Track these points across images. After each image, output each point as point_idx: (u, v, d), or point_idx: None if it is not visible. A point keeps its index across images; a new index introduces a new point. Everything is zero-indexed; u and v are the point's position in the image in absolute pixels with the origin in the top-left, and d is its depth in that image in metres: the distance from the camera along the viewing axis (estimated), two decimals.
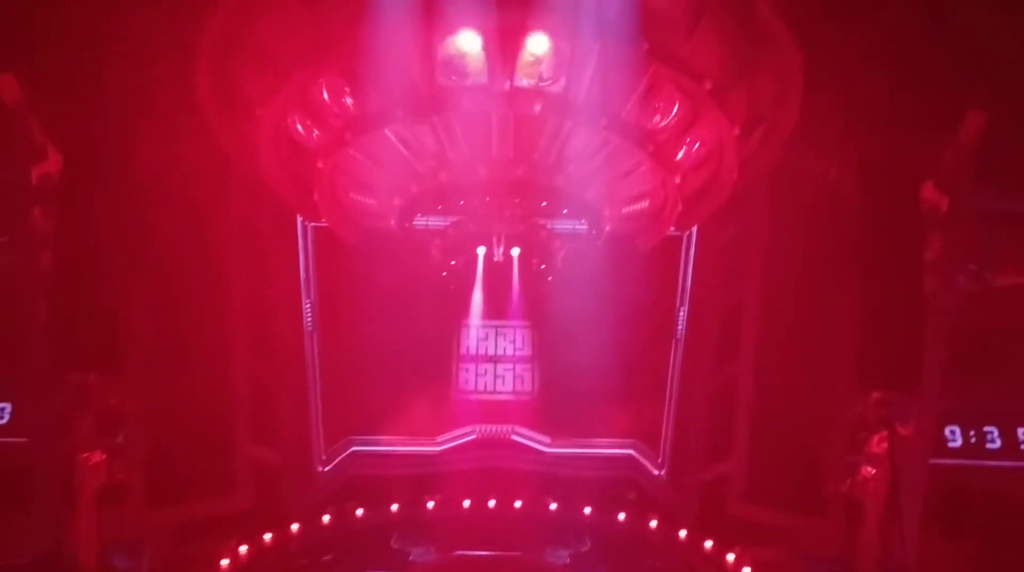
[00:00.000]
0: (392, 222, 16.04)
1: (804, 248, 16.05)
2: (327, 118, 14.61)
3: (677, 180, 15.22)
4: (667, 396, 19.21)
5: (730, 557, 17.12)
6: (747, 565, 16.76)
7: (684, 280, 18.94)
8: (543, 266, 16.43)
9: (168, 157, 15.75)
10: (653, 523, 18.42)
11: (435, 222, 16.35)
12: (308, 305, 18.85)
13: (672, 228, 16.48)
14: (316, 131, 14.83)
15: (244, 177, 15.95)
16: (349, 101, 14.30)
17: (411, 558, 17.42)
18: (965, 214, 15.72)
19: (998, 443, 17.57)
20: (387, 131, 14.74)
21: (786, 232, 16.31)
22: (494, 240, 15.96)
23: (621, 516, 18.63)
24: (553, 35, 13.34)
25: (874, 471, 16.47)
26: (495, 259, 16.12)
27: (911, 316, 15.18)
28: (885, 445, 15.91)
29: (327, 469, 19.18)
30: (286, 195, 15.83)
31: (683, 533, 17.98)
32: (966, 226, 15.74)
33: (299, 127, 14.85)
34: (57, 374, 15.56)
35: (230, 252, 17.02)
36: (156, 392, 16.59)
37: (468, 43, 13.42)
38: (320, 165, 15.11)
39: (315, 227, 18.25)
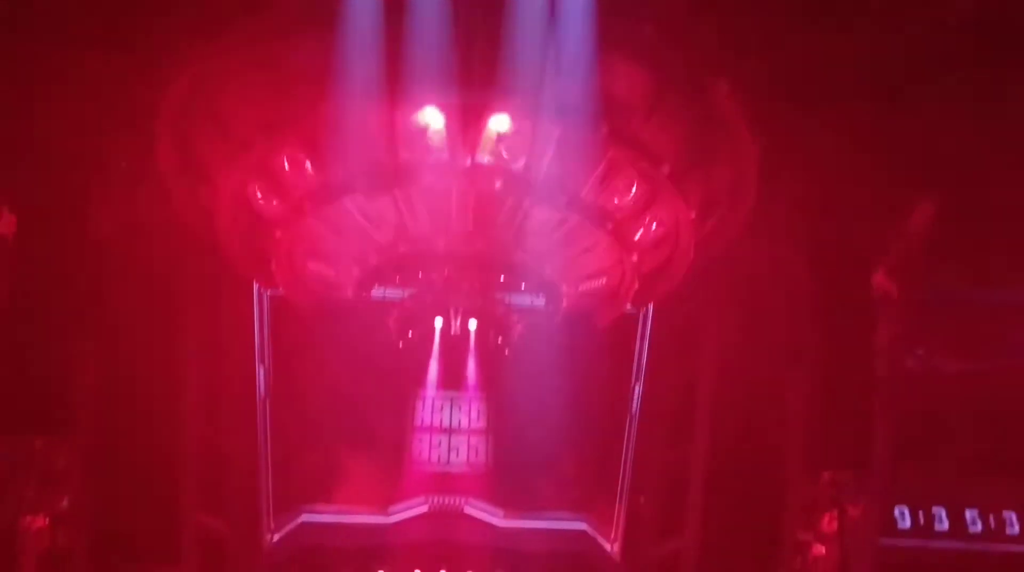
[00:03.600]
0: (349, 292, 16.05)
1: (757, 330, 16.30)
2: (287, 188, 14.69)
3: (634, 258, 15.47)
4: (621, 472, 19.16)
5: None
6: None
7: (639, 357, 19.00)
8: (500, 339, 16.48)
9: (124, 220, 15.66)
10: None
11: (392, 293, 16.37)
12: (262, 372, 18.64)
13: (628, 305, 16.65)
14: (276, 200, 14.89)
15: (201, 242, 15.87)
16: (310, 171, 14.41)
17: None
18: (915, 301, 16.08)
19: (946, 524, 17.70)
20: (347, 202, 14.86)
21: (739, 314, 16.55)
22: (451, 312, 16.01)
23: None
24: (515, 115, 13.60)
25: (824, 550, 16.60)
26: (452, 332, 16.14)
27: (861, 399, 15.47)
28: (835, 525, 16.10)
29: (276, 539, 18.72)
30: (243, 262, 15.80)
31: None
32: (916, 312, 16.10)
33: (259, 195, 14.90)
34: (2, 437, 15.30)
35: (184, 316, 16.85)
36: (103, 457, 16.34)
37: (431, 119, 13.64)
38: (278, 234, 15.14)
39: (271, 294, 18.15)
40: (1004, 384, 16.74)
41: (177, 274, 16.57)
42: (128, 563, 16.22)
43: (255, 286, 17.88)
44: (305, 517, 18.94)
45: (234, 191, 14.59)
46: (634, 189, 14.53)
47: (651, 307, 18.22)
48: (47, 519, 15.83)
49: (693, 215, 14.67)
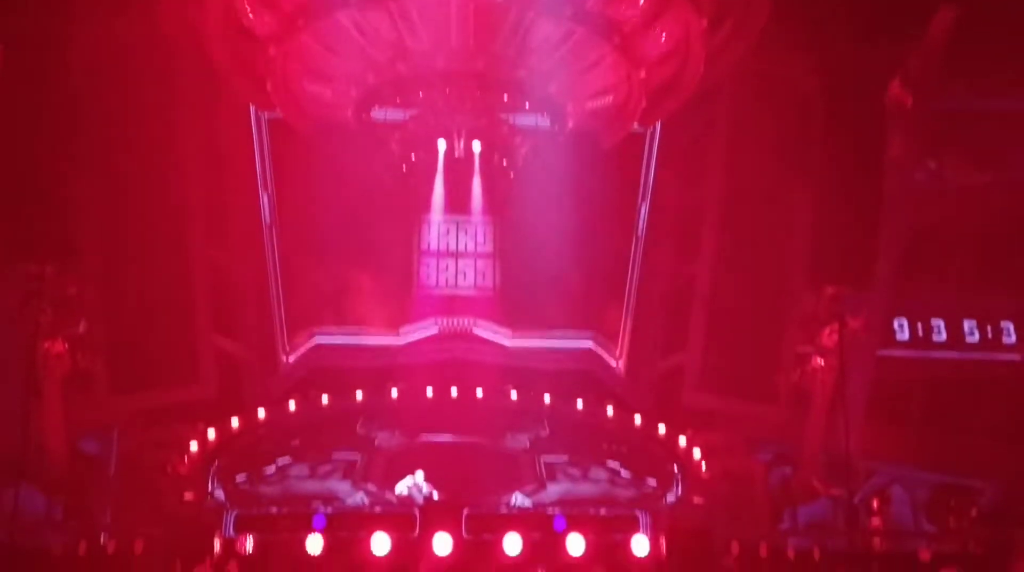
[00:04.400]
0: (349, 114, 15.68)
1: (766, 147, 15.98)
2: (278, 2, 14.08)
3: (642, 74, 14.98)
4: (626, 290, 19.42)
5: (681, 440, 17.70)
6: (697, 447, 17.41)
7: (646, 177, 18.82)
8: (505, 161, 16.22)
9: (113, 44, 15.14)
10: (610, 410, 19.00)
11: (394, 115, 15.98)
12: (265, 198, 18.52)
13: (635, 124, 16.31)
14: (267, 16, 14.33)
15: (195, 64, 15.38)
16: None
17: (376, 443, 17.81)
18: (929, 111, 15.71)
19: (944, 335, 18.14)
20: (341, 17, 14.27)
21: (749, 130, 16.19)
22: (454, 134, 15.69)
23: (579, 404, 19.14)
24: None
25: (823, 362, 17.06)
26: (456, 154, 15.89)
27: (868, 214, 15.43)
28: (836, 338, 16.40)
29: (291, 360, 19.35)
30: (238, 83, 15.39)
31: (638, 419, 18.58)
32: (929, 123, 15.77)
33: (249, 11, 14.31)
34: (11, 266, 15.44)
35: (182, 141, 16.59)
36: (115, 283, 16.60)
37: None
38: (272, 52, 14.64)
39: (270, 118, 17.74)
40: (1012, 196, 16.61)
41: (172, 98, 16.20)
42: (148, 384, 16.74)
43: (252, 110, 17.51)
44: (318, 339, 19.49)
45: (223, 8, 13.98)
46: None
47: (659, 126, 17.88)
48: (65, 343, 16.28)
49: (704, 25, 14.07)
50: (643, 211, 18.96)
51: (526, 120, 16.26)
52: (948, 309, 18.05)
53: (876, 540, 15.16)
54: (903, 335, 17.94)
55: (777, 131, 15.87)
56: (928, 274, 17.38)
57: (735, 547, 13.14)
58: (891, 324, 17.83)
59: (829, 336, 16.82)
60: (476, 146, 15.84)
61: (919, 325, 18.05)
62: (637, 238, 19.15)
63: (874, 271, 16.55)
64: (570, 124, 15.93)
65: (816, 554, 13.29)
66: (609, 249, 19.23)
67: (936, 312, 18.07)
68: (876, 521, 16.74)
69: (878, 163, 15.46)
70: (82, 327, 16.63)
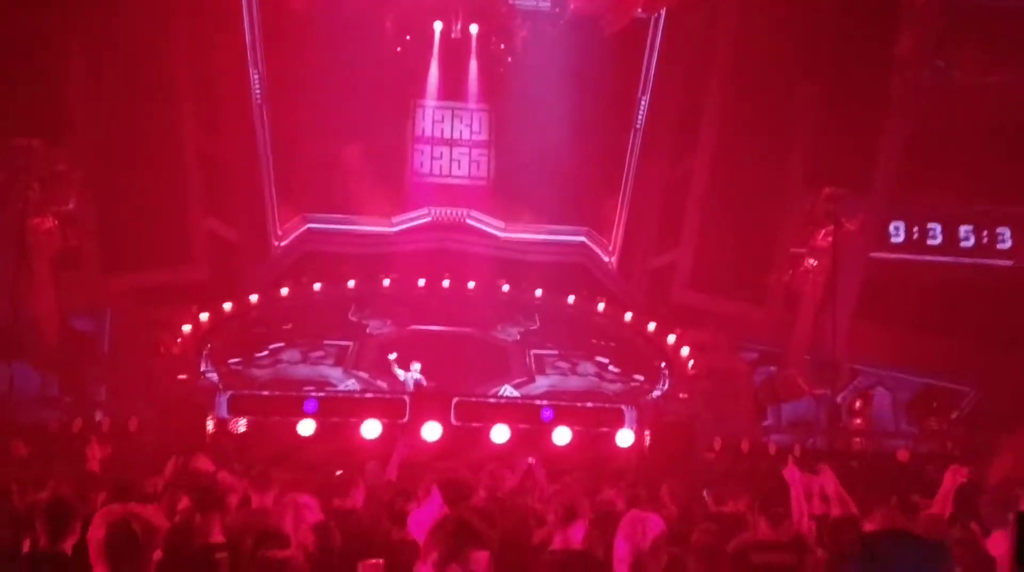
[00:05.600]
0: None
1: (772, 40, 15.40)
2: None
3: None
4: (622, 185, 19.16)
5: (671, 338, 17.82)
6: (686, 345, 17.54)
7: (648, 67, 18.22)
8: (502, 46, 15.70)
9: None
10: (600, 305, 19.06)
11: None
12: (256, 76, 17.95)
13: (639, 10, 15.68)
14: None
15: None
16: None
17: (368, 330, 17.90)
18: (941, 6, 15.13)
19: (939, 239, 18.09)
20: None
21: (756, 21, 15.57)
22: (451, 15, 15.12)
23: (570, 298, 19.14)
24: None
25: (816, 263, 17.02)
26: (452, 36, 15.34)
27: (872, 114, 15.03)
28: (830, 239, 16.31)
29: (283, 244, 19.23)
30: None
31: (628, 316, 18.66)
32: (941, 19, 15.19)
33: None
34: None
35: (170, 15, 15.94)
36: (105, 160, 16.26)
37: None
38: None
39: None
40: (1021, 97, 16.17)
41: None
42: (140, 264, 16.60)
43: None
44: (310, 225, 19.32)
45: None
46: None
47: (663, 12, 17.18)
48: (55, 220, 16.08)
49: None
50: (643, 104, 18.44)
51: (526, 2, 15.62)
52: (947, 213, 17.92)
53: (857, 439, 15.47)
54: (898, 238, 17.88)
55: (785, 23, 15.28)
56: (929, 177, 17.11)
57: (717, 442, 13.39)
58: (887, 227, 17.73)
59: (824, 237, 16.74)
60: (473, 29, 15.30)
61: (915, 229, 17.96)
62: (636, 131, 18.73)
63: (874, 173, 16.30)
64: (571, 7, 15.33)
65: (796, 451, 13.54)
66: (607, 142, 18.82)
67: (934, 216, 17.94)
68: (858, 421, 17.08)
69: (886, 61, 14.95)
70: (71, 204, 16.41)
